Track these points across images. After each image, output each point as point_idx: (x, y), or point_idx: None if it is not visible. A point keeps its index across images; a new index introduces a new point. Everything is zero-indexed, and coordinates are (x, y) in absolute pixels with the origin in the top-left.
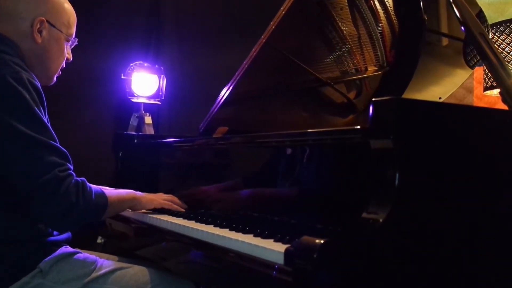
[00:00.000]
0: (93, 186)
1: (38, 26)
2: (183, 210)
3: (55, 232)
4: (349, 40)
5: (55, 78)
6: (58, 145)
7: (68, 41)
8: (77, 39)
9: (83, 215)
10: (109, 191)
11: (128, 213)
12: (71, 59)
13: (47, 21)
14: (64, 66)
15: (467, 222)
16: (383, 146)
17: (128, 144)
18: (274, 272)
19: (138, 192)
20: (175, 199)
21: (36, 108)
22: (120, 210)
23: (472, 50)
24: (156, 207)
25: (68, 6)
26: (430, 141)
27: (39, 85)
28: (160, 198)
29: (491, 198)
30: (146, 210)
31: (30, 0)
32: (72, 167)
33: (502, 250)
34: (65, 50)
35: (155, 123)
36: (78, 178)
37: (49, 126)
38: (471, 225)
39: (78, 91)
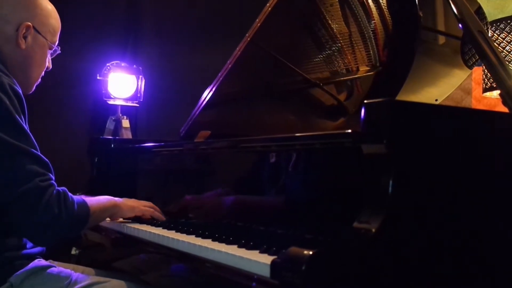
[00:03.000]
0: (74, 196)
1: (24, 31)
2: (163, 219)
3: (28, 245)
4: (340, 38)
5: (34, 87)
6: (39, 153)
7: (51, 49)
8: (59, 48)
9: (65, 227)
10: (89, 199)
11: (104, 222)
12: (51, 67)
13: (33, 27)
14: (43, 74)
15: (466, 231)
16: (376, 151)
17: (104, 149)
18: (260, 286)
19: (117, 198)
20: (155, 207)
21: (16, 115)
22: (102, 219)
23: (471, 49)
24: (137, 214)
25: (55, 14)
26: (425, 146)
27: (21, 91)
28: (141, 205)
29: (491, 206)
30: (125, 218)
31: (17, 3)
32: (53, 177)
33: (503, 259)
34: (47, 57)
35: (133, 127)
36: (59, 188)
37: (30, 133)
38: (470, 234)
39: (51, 93)
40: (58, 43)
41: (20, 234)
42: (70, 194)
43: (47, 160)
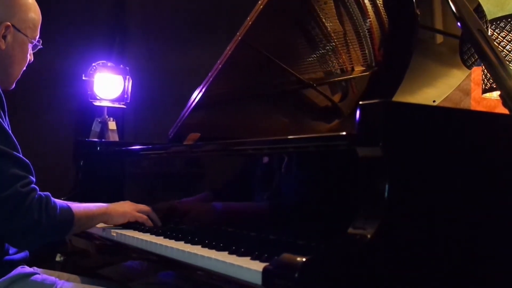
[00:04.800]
0: (59, 201)
1: (3, 31)
2: (159, 224)
3: (11, 251)
4: (334, 37)
5: (14, 83)
6: (20, 155)
7: (32, 43)
8: (41, 41)
9: (46, 233)
10: (76, 206)
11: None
12: (32, 60)
13: (13, 25)
14: (25, 68)
15: (464, 236)
16: (372, 154)
17: (90, 152)
18: None
19: (108, 204)
20: (151, 212)
21: None
22: (89, 226)
23: (470, 48)
24: (130, 220)
25: (34, 6)
26: (423, 149)
27: (0, 89)
28: (137, 209)
29: (490, 209)
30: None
31: None
32: (34, 180)
33: (502, 265)
34: (28, 52)
35: (119, 129)
36: (42, 193)
37: (11, 133)
38: (469, 239)
39: (34, 94)
40: (39, 37)
41: (1, 239)
42: (53, 199)
43: (27, 161)
